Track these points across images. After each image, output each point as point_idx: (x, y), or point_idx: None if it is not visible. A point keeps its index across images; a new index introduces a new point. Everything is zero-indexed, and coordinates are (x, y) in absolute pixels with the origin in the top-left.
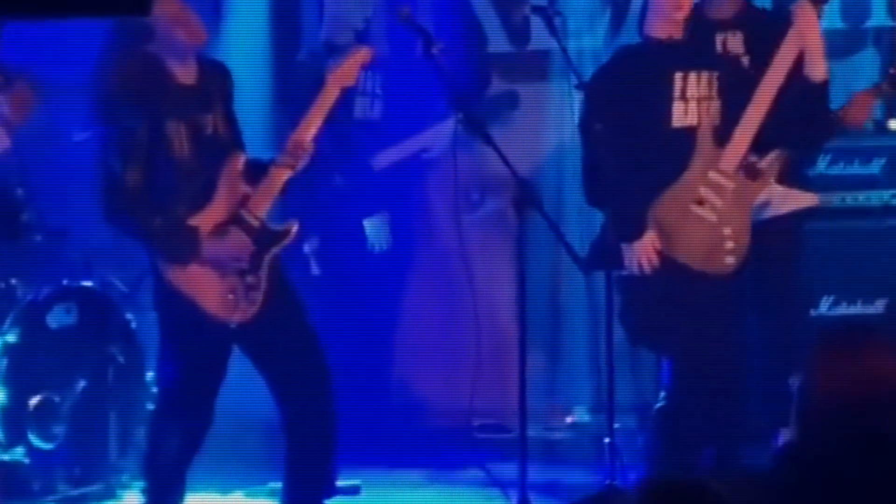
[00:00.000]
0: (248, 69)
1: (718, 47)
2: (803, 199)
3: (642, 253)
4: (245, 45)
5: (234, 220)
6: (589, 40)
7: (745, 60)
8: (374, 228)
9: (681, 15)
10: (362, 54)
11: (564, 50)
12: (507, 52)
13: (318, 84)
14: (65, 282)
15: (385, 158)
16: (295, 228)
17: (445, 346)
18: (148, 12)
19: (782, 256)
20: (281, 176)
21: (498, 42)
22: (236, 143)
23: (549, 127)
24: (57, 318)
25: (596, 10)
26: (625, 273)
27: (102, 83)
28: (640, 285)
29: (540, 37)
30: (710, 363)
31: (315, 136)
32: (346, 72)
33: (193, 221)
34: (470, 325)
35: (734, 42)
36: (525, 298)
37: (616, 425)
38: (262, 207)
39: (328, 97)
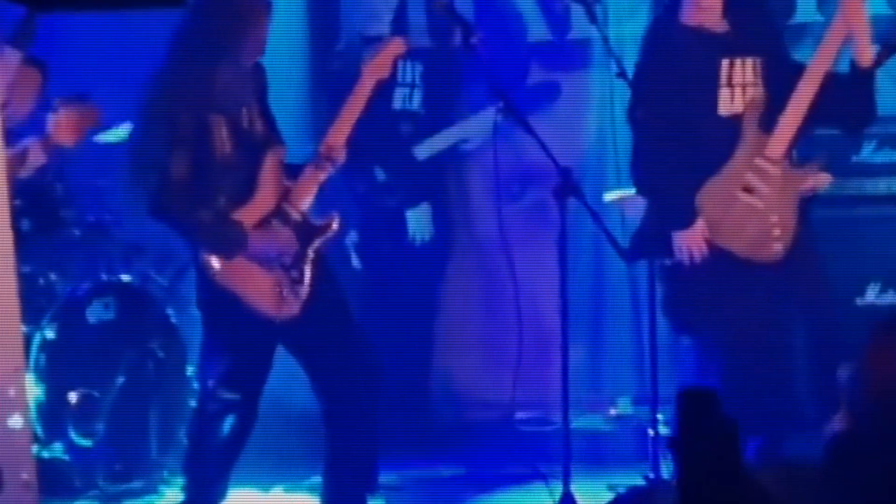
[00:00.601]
0: (287, 62)
1: None
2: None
3: (692, 242)
4: (283, 37)
5: (277, 214)
6: (630, 27)
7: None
8: (417, 219)
9: (707, 2)
10: (396, 46)
11: (605, 38)
12: (548, 41)
13: (355, 76)
14: (104, 277)
15: (427, 148)
16: (337, 221)
17: (487, 339)
18: (182, 4)
19: (820, 243)
20: (321, 169)
21: (538, 31)
22: (273, 138)
23: (590, 116)
24: (96, 313)
25: None
26: (669, 262)
27: (153, 80)
28: (685, 274)
29: (580, 25)
30: (756, 352)
31: (353, 127)
32: (380, 64)
33: (237, 216)
34: (511, 317)
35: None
36: (567, 289)
37: (660, 417)
38: (303, 201)
39: (363, 89)
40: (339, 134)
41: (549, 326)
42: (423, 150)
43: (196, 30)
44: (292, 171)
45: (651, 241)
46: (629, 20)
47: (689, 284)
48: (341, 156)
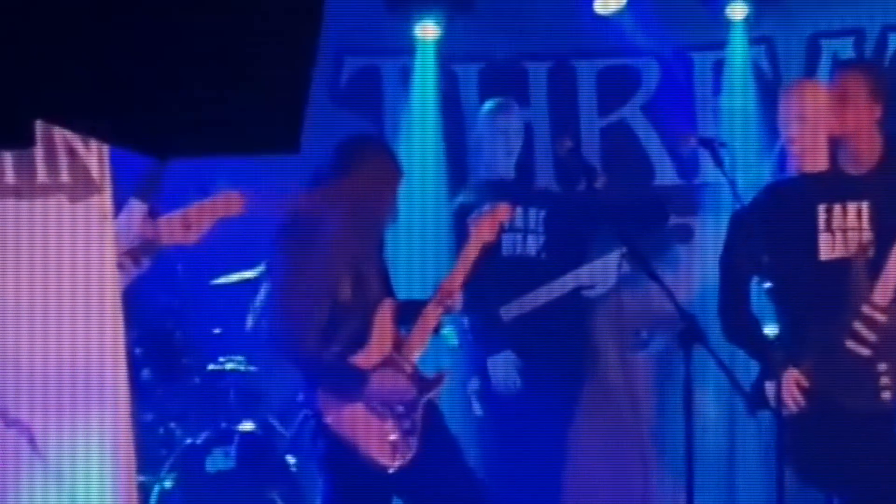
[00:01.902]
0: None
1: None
2: None
3: (785, 391)
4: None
5: (388, 364)
6: (760, 172)
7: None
8: (498, 368)
9: (796, 149)
10: (501, 212)
11: (732, 182)
12: (676, 185)
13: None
14: (224, 425)
15: (513, 309)
16: (446, 377)
17: (614, 487)
18: (298, 150)
19: None
20: (433, 320)
21: (666, 175)
22: (386, 290)
23: (716, 260)
24: (215, 462)
25: (766, 140)
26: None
27: (283, 229)
28: (800, 423)
29: (709, 169)
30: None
31: (464, 281)
32: (485, 228)
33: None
34: (639, 465)
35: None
36: (693, 437)
37: None
38: (415, 352)
39: (472, 250)
40: (452, 283)
41: (676, 475)
42: (509, 311)
43: (325, 191)
44: (406, 309)
45: (763, 390)
46: (760, 164)
47: (807, 434)
48: (456, 300)
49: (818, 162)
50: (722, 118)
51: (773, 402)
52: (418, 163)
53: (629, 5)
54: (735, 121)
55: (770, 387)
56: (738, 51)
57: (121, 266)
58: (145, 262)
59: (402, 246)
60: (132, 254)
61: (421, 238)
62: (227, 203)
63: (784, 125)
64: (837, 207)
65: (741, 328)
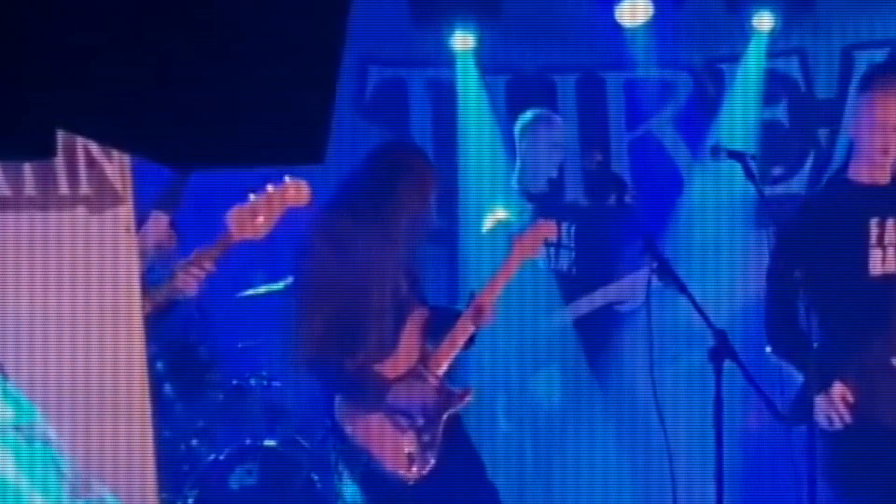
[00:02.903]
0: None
1: None
2: None
3: (829, 407)
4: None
5: (413, 375)
6: (791, 186)
7: None
8: (543, 384)
9: (887, 160)
10: (546, 229)
11: (762, 194)
12: (706, 198)
13: (506, 234)
14: (247, 441)
15: (552, 322)
16: (472, 393)
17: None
18: (322, 160)
19: None
20: (464, 334)
21: (696, 188)
22: (417, 299)
23: (748, 274)
24: (238, 479)
25: (799, 154)
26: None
27: (309, 242)
28: (840, 440)
29: (739, 182)
30: None
31: (498, 296)
32: (529, 243)
33: (378, 369)
34: (668, 482)
35: None
36: (723, 453)
37: None
38: (441, 366)
39: (512, 265)
40: (487, 298)
41: (706, 492)
42: (569, 314)
43: (359, 196)
44: (437, 318)
45: (809, 405)
46: (791, 178)
47: (848, 450)
48: (490, 314)
49: (888, 173)
50: (754, 130)
51: (821, 418)
52: (470, 171)
53: (656, 17)
54: (766, 132)
55: (815, 401)
56: (754, 61)
57: (192, 275)
58: (211, 266)
59: (438, 256)
60: (197, 260)
61: (464, 250)
62: (292, 190)
63: (877, 133)
64: (890, 222)
65: (788, 341)
